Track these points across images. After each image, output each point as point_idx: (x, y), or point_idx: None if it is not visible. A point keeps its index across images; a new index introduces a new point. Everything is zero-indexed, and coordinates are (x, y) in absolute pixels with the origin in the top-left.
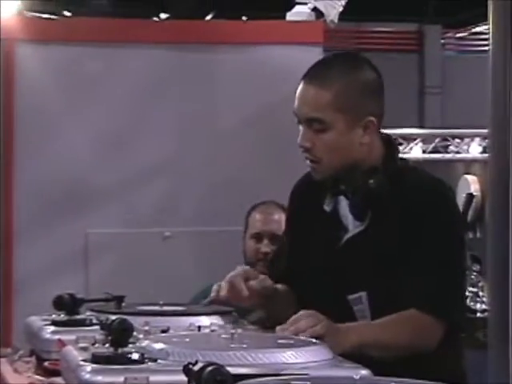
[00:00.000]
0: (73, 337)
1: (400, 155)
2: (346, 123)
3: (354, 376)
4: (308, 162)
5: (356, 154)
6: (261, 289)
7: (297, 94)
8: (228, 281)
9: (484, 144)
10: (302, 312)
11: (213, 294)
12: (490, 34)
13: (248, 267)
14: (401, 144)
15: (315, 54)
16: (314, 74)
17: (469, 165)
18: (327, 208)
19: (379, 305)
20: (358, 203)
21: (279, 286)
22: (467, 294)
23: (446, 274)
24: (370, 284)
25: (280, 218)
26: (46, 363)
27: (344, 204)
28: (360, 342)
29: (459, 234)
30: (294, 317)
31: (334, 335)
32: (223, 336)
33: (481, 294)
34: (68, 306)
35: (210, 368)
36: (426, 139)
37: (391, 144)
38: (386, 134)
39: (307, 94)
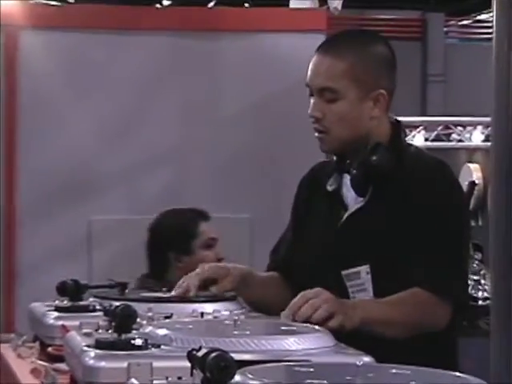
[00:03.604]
0: (76, 323)
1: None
2: (358, 94)
3: (357, 363)
4: (316, 133)
5: (365, 127)
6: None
7: (310, 66)
8: (184, 284)
9: (486, 132)
10: (306, 293)
11: (178, 290)
12: (494, 21)
13: (213, 265)
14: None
15: (318, 42)
16: (329, 46)
17: (471, 153)
18: (329, 188)
19: (380, 280)
20: (359, 178)
21: (263, 274)
22: (469, 282)
23: (450, 253)
24: (371, 258)
25: None
26: (49, 349)
27: (347, 183)
28: (368, 318)
29: (462, 213)
30: (298, 298)
31: (344, 312)
32: (226, 322)
33: (483, 282)
34: (71, 292)
35: (213, 354)
36: (428, 127)
37: (398, 125)
38: (394, 117)
39: (322, 64)
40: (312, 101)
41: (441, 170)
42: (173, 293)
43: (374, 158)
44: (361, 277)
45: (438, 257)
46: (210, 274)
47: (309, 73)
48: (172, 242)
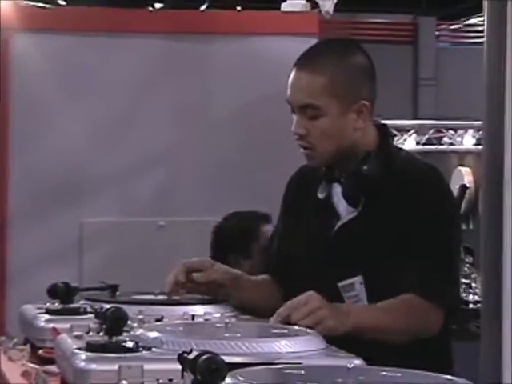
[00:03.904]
0: (67, 325)
1: (394, 144)
2: (340, 108)
3: (348, 365)
4: (302, 149)
5: (350, 139)
6: (206, 282)
7: (289, 82)
8: (171, 277)
9: (478, 136)
10: (299, 298)
11: (169, 286)
12: (485, 25)
13: (198, 258)
14: (394, 135)
15: (310, 45)
16: (306, 61)
17: (462, 156)
18: (320, 195)
19: (374, 290)
20: (351, 188)
21: (252, 277)
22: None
23: (442, 259)
24: (363, 269)
25: None
26: (40, 351)
27: (337, 192)
28: (360, 324)
29: (454, 219)
30: (290, 303)
31: (336, 317)
32: (217, 325)
33: (473, 285)
34: (62, 295)
35: (204, 356)
36: (419, 131)
37: (385, 130)
38: (379, 121)
39: (300, 80)
40: (294, 118)
41: (431, 175)
42: (166, 290)
43: (365, 167)
44: (355, 288)
45: (430, 263)
46: (195, 265)
47: (288, 89)
48: (233, 245)
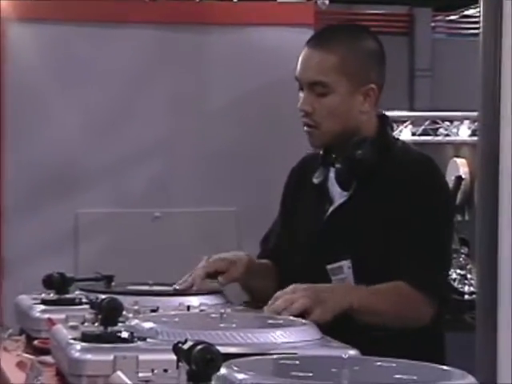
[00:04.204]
0: (62, 316)
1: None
2: (348, 88)
3: (343, 355)
4: (306, 128)
5: (355, 120)
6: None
7: (300, 59)
8: (191, 279)
9: (473, 127)
10: (285, 289)
11: (184, 284)
12: (481, 17)
13: (219, 257)
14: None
15: (306, 36)
16: (319, 40)
17: (458, 148)
18: (316, 181)
19: (362, 275)
20: (343, 172)
21: (262, 262)
22: (456, 276)
23: (434, 249)
24: (352, 253)
25: None
26: (35, 342)
27: (332, 177)
28: (349, 303)
29: (447, 209)
30: (277, 294)
31: (321, 303)
32: (212, 316)
33: (469, 276)
34: (58, 285)
35: (199, 347)
36: (415, 122)
37: (385, 120)
38: (380, 111)
39: (312, 58)
40: (302, 95)
41: (426, 165)
42: (176, 286)
43: (359, 152)
44: (343, 271)
45: (422, 252)
46: (216, 267)
47: (298, 66)
48: None
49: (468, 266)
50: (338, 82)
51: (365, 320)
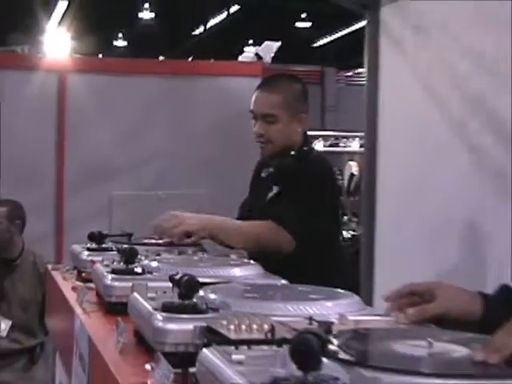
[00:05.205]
0: (100, 258)
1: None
2: (288, 117)
3: (277, 283)
4: (260, 144)
5: (292, 139)
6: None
7: (253, 98)
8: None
9: (361, 142)
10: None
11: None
12: (366, 74)
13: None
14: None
15: (257, 83)
16: (266, 84)
17: (351, 155)
18: (263, 175)
19: None
20: (273, 173)
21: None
22: (349, 235)
23: (301, 204)
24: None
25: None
26: (83, 274)
27: None
28: (214, 226)
29: (321, 183)
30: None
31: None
32: (195, 258)
33: (358, 236)
34: (97, 239)
35: (186, 277)
36: (325, 138)
37: (307, 136)
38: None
39: (263, 97)
40: (255, 123)
41: (323, 162)
42: (160, 241)
43: (284, 159)
44: None
45: (292, 204)
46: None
47: (253, 103)
48: None
49: (356, 230)
50: (280, 114)
51: (224, 239)
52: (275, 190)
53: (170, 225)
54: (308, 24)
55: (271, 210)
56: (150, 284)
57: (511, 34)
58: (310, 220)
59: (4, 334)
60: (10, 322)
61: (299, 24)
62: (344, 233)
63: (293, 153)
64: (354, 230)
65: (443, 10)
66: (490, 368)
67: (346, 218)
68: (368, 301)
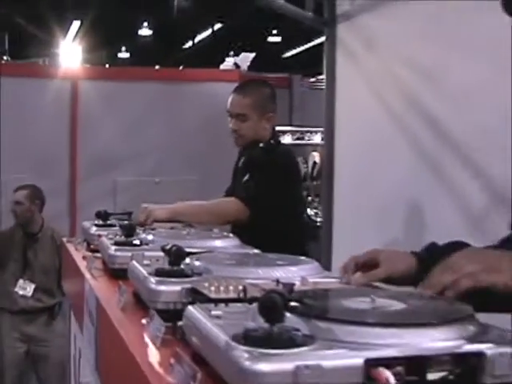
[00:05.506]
0: (105, 232)
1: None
2: (258, 116)
3: (250, 252)
4: (234, 137)
5: (261, 134)
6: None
7: (229, 100)
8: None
9: (322, 136)
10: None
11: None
12: (325, 80)
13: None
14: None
15: (233, 87)
16: (240, 89)
17: (315, 147)
18: (240, 164)
19: None
20: (244, 161)
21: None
22: (312, 213)
23: (257, 183)
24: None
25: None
26: (91, 246)
27: None
28: (174, 211)
29: (280, 169)
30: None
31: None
32: (183, 232)
33: (319, 213)
34: (103, 216)
35: (174, 247)
36: (292, 132)
37: (275, 131)
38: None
39: (237, 99)
40: (231, 120)
41: (287, 152)
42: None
43: (252, 151)
44: None
45: (253, 183)
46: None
47: (229, 104)
48: None
49: (318, 208)
50: (251, 114)
51: (188, 219)
52: (247, 176)
53: (142, 218)
54: (278, 39)
55: (239, 190)
56: (146, 253)
57: (445, 47)
58: (268, 195)
59: (29, 294)
60: (33, 285)
61: (271, 39)
62: (308, 210)
63: (261, 145)
64: (316, 208)
65: (390, 27)
66: (422, 317)
67: (309, 198)
68: (327, 266)
